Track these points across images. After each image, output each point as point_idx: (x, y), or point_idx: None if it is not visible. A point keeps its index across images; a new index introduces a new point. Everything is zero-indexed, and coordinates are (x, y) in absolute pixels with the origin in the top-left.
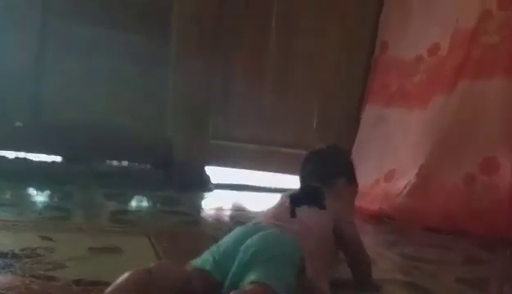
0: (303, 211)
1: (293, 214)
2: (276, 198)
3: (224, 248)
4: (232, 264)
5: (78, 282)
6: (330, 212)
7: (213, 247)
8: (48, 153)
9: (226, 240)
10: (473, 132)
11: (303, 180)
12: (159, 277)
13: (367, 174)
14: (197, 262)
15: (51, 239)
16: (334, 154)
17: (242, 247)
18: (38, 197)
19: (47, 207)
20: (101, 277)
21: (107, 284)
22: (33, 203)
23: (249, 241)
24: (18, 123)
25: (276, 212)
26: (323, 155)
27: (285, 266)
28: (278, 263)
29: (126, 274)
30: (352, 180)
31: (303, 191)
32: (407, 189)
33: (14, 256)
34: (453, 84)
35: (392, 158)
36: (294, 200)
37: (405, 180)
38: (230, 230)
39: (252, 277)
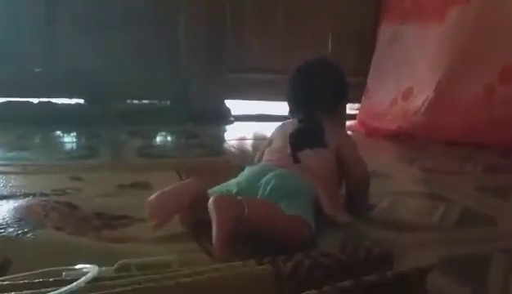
0: (306, 155)
1: (296, 160)
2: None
3: (239, 186)
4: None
5: (99, 215)
6: (331, 145)
7: (224, 186)
8: (69, 96)
9: (239, 179)
10: (491, 42)
11: (295, 107)
12: (205, 196)
13: (385, 94)
14: (214, 191)
15: (80, 179)
16: (330, 74)
17: (261, 183)
18: (66, 138)
19: (75, 147)
20: (126, 212)
21: (130, 219)
22: (62, 145)
23: (265, 179)
24: (37, 69)
25: (278, 157)
26: (317, 77)
27: (303, 200)
28: (297, 197)
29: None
30: (347, 96)
31: (303, 132)
32: (425, 105)
33: (43, 195)
34: None
35: (409, 76)
36: (295, 145)
37: (423, 97)
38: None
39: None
